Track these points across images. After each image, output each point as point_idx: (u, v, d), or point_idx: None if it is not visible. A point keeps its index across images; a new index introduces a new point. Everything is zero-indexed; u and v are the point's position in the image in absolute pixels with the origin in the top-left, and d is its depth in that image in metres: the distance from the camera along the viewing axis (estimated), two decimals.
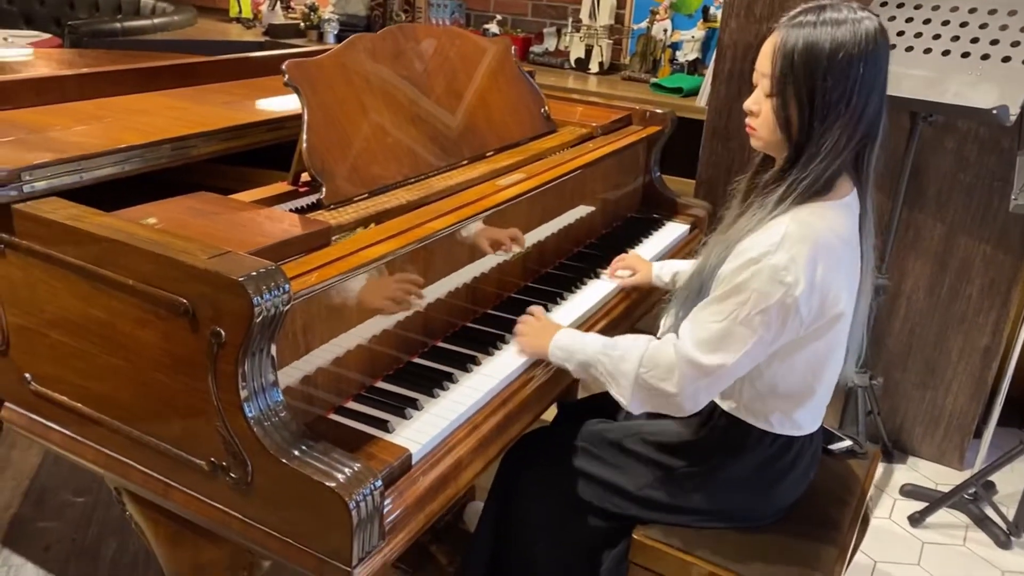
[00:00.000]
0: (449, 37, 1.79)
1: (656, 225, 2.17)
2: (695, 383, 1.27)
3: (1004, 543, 2.26)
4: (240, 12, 4.53)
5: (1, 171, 1.13)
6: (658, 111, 2.20)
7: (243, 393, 1.02)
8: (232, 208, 1.27)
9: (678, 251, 2.10)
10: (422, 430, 1.21)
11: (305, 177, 1.47)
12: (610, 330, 1.69)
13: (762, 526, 1.44)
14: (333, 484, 0.99)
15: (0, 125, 1.37)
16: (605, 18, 3.45)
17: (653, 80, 3.24)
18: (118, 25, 3.67)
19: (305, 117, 1.36)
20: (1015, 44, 1.98)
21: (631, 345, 1.34)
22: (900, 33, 2.15)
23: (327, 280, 1.12)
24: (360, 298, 1.25)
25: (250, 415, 1.03)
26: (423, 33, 1.72)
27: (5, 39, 4.08)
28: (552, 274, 1.81)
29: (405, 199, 1.44)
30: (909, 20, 2.17)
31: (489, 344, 1.46)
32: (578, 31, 3.53)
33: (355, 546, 1.01)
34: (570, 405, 1.85)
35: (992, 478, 2.34)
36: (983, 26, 2.05)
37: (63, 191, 1.21)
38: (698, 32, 3.29)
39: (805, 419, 1.39)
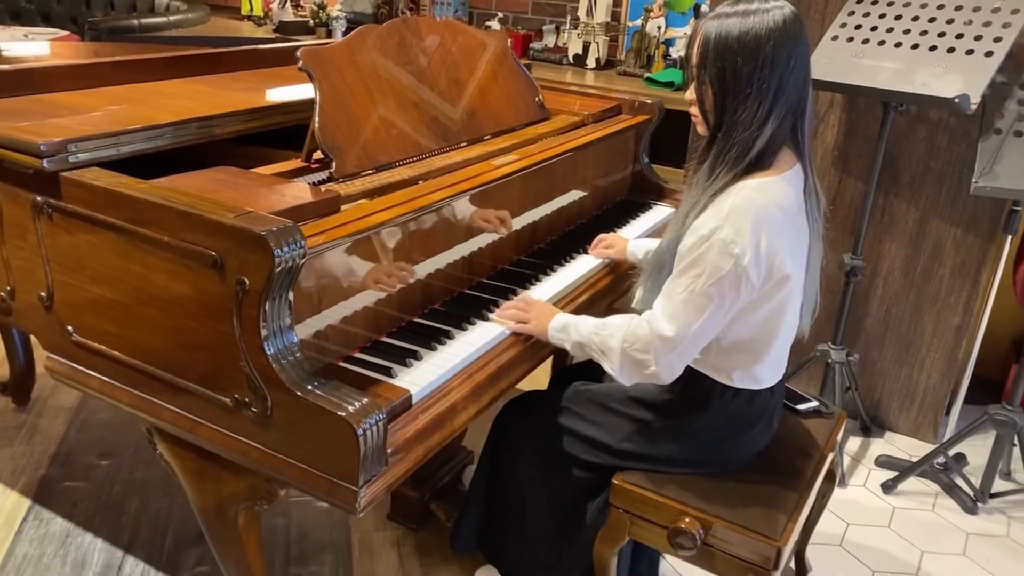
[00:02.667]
0: (450, 30, 1.93)
1: (644, 208, 2.32)
2: (668, 354, 1.41)
3: (971, 508, 2.39)
4: (251, 10, 4.70)
5: (50, 143, 1.28)
6: (647, 101, 2.35)
7: (263, 333, 1.17)
8: (253, 179, 1.42)
9: (661, 232, 2.24)
10: (422, 376, 1.36)
11: (316, 156, 1.62)
12: (595, 301, 1.84)
13: (729, 472, 1.58)
14: (343, 413, 1.14)
15: (46, 106, 1.53)
16: (602, 15, 3.59)
17: (647, 75, 3.39)
18: (135, 22, 3.83)
19: (317, 99, 1.51)
20: (978, 38, 2.12)
21: (618, 324, 1.48)
22: (873, 28, 2.30)
23: (336, 240, 1.27)
24: (366, 261, 1.40)
25: (269, 353, 1.18)
26: (425, 26, 1.87)
27: (26, 36, 4.26)
28: (543, 250, 1.96)
29: (407, 175, 1.59)
30: (882, 16, 2.31)
31: (483, 308, 1.61)
32: (576, 28, 3.68)
33: (362, 469, 1.16)
34: (563, 371, 1.99)
35: (963, 450, 2.48)
36: (949, 21, 2.19)
37: (103, 163, 1.36)
38: (690, 29, 3.43)
39: (764, 374, 1.53)
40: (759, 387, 1.53)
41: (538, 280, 1.77)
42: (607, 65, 3.67)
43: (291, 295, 1.20)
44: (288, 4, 4.36)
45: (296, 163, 1.61)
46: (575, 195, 2.10)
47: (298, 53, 1.51)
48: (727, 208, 1.35)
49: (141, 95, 1.67)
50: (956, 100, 2.02)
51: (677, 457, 1.57)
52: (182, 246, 1.20)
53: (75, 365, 1.43)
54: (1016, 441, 2.34)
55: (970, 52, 2.11)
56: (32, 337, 2.47)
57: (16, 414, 2.55)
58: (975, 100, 2.02)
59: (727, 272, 1.34)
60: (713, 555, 1.51)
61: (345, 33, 4.03)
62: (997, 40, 2.09)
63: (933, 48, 2.18)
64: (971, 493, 2.42)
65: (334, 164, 1.50)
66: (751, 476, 1.59)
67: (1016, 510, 2.42)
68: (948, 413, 2.65)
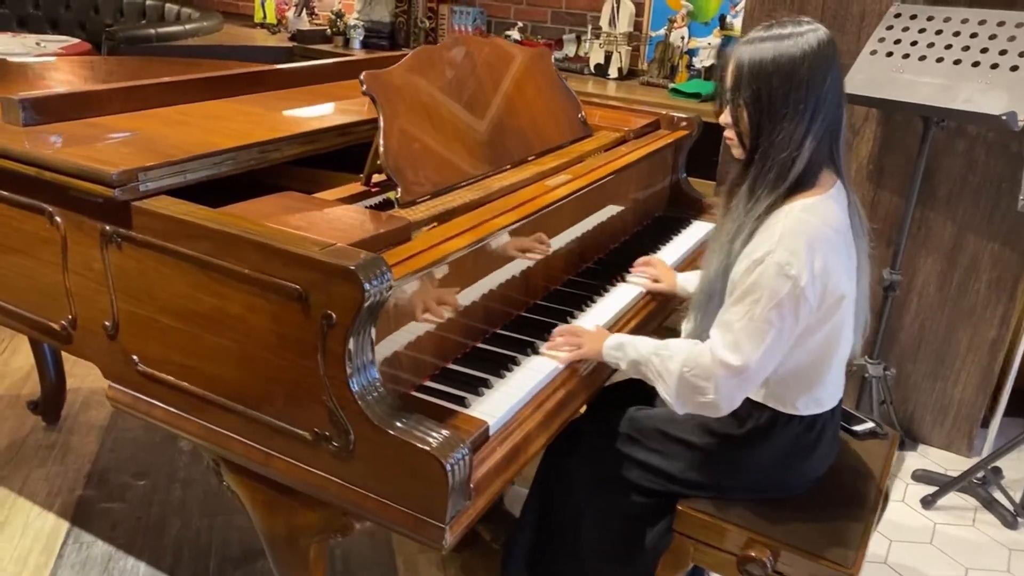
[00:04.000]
0: (495, 48, 1.92)
1: (683, 224, 2.30)
2: (728, 383, 1.39)
3: (1011, 523, 2.39)
4: (264, 18, 4.67)
5: (122, 172, 1.26)
6: (685, 116, 2.34)
7: (348, 370, 1.15)
8: (320, 206, 1.40)
9: (701, 251, 2.23)
10: (495, 406, 1.34)
11: (375, 178, 1.61)
12: (645, 324, 1.82)
13: (793, 497, 1.57)
14: (432, 449, 1.12)
15: (100, 130, 1.51)
16: (624, 25, 3.58)
17: (672, 85, 3.38)
18: (152, 31, 3.80)
19: (381, 124, 1.49)
20: (1022, 55, 2.11)
21: (679, 347, 1.46)
22: (913, 43, 2.29)
23: (418, 269, 1.26)
24: (437, 287, 1.38)
25: (355, 389, 1.16)
26: (474, 45, 1.85)
27: (38, 43, 4.22)
28: (591, 268, 1.94)
29: (467, 198, 1.57)
30: (922, 31, 2.31)
31: (544, 331, 1.59)
32: (598, 38, 3.67)
33: (449, 505, 1.14)
34: (599, 396, 1.97)
35: (1000, 464, 2.48)
36: (992, 37, 2.18)
37: (170, 191, 1.34)
38: (714, 39, 3.42)
39: (825, 396, 1.52)
40: (822, 410, 1.52)
41: (592, 302, 1.76)
42: (629, 75, 3.66)
43: (374, 329, 1.18)
44: (304, 12, 4.33)
45: (356, 186, 1.59)
46: (618, 212, 2.09)
47: (362, 77, 1.49)
48: (779, 231, 1.35)
49: (192, 118, 1.65)
50: (1003, 118, 2.02)
51: (741, 485, 1.56)
52: (262, 279, 1.18)
53: (139, 395, 1.41)
54: None
55: (1015, 68, 2.11)
56: (63, 354, 2.47)
57: (47, 432, 2.52)
58: (1023, 117, 2.02)
59: (785, 295, 1.33)
60: None
61: (363, 42, 4.02)
62: (1022, 55, 2.09)
63: (976, 64, 2.17)
64: (1011, 508, 2.42)
65: (399, 189, 1.48)
66: (815, 501, 1.57)
67: None
68: (986, 426, 2.65)
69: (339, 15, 4.11)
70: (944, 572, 2.20)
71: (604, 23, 3.63)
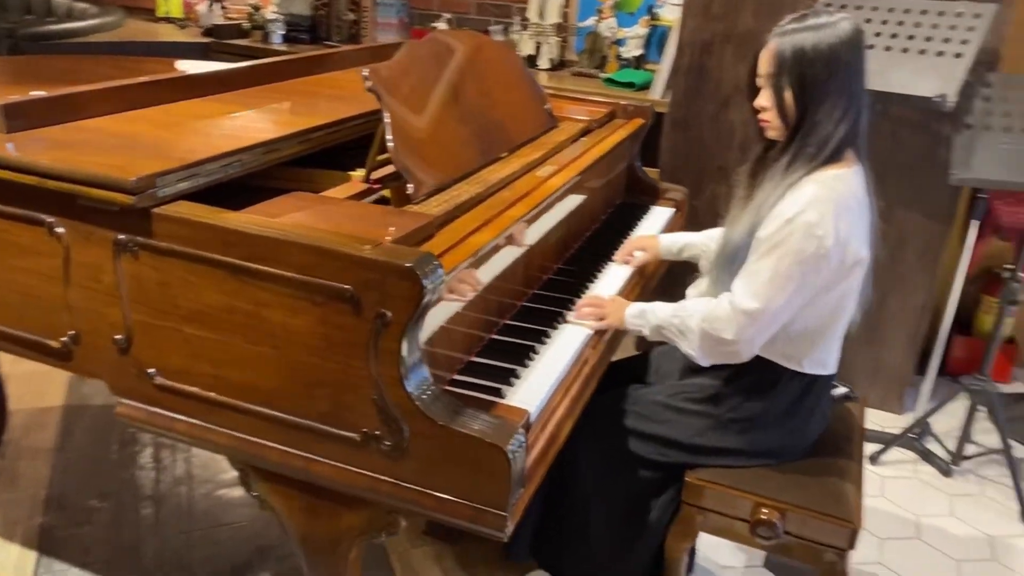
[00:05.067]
0: (473, 41, 1.93)
1: (644, 210, 2.38)
2: (749, 328, 1.50)
3: (947, 471, 2.61)
4: (169, 12, 4.46)
5: (141, 178, 1.21)
6: (641, 105, 2.42)
7: (403, 368, 1.15)
8: (338, 205, 1.39)
9: (668, 231, 2.32)
10: (529, 394, 1.37)
11: (375, 175, 1.59)
12: (643, 295, 1.91)
13: (794, 461, 1.67)
14: (494, 440, 1.14)
15: (94, 134, 1.43)
16: (553, 16, 3.64)
17: (605, 75, 3.46)
18: (56, 28, 3.57)
19: (387, 119, 1.48)
20: (946, 40, 2.29)
21: (695, 306, 1.57)
22: None
23: (460, 264, 1.26)
24: (462, 283, 1.39)
25: (410, 386, 1.16)
26: (453, 38, 1.85)
27: None
28: (575, 256, 1.99)
29: (471, 192, 1.58)
30: None
31: (552, 319, 1.63)
32: (526, 29, 3.71)
33: (511, 493, 1.16)
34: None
35: (929, 419, 2.70)
36: (917, 24, 2.36)
37: (185, 195, 1.29)
38: (641, 29, 3.52)
39: (828, 359, 1.64)
40: (825, 372, 1.64)
41: (591, 283, 1.81)
42: (560, 66, 3.72)
43: (422, 327, 1.18)
44: (215, 6, 4.17)
45: (357, 184, 1.58)
46: (591, 200, 2.14)
47: (364, 73, 1.48)
48: (810, 194, 1.45)
49: (181, 119, 1.58)
50: (936, 99, 2.19)
51: (747, 449, 1.65)
52: (309, 281, 1.16)
53: (156, 409, 1.35)
54: (985, 408, 2.56)
55: (940, 54, 2.29)
56: (2, 379, 2.31)
57: None
58: (953, 98, 2.20)
59: (811, 253, 1.44)
60: (791, 542, 1.60)
61: (285, 37, 3.91)
62: (964, 43, 2.27)
63: (905, 50, 2.34)
64: (946, 458, 2.64)
65: (410, 186, 1.48)
66: (812, 463, 1.68)
67: (984, 470, 2.65)
68: (915, 386, 2.87)
69: (256, 8, 3.98)
70: (898, 521, 2.38)
71: (532, 14, 3.67)
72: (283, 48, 3.84)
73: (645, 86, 3.32)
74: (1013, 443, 2.56)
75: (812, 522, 1.57)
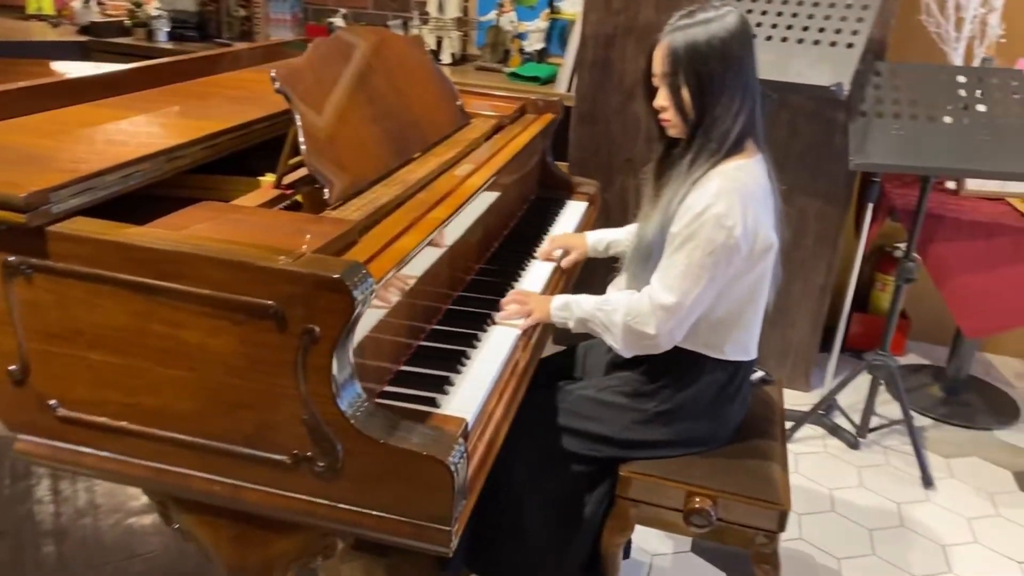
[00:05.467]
0: (382, 37, 1.86)
1: (559, 205, 2.38)
2: (669, 322, 1.53)
3: (854, 444, 2.73)
4: (40, 8, 4.16)
5: (30, 195, 1.10)
6: (551, 99, 2.41)
7: (335, 385, 1.10)
8: (250, 214, 1.31)
9: (584, 226, 2.32)
10: (464, 401, 1.33)
11: (286, 179, 1.52)
12: (567, 287, 1.90)
13: (721, 448, 1.70)
14: (434, 453, 1.10)
15: None
16: (453, 11, 3.59)
17: (510, 70, 3.44)
18: None
19: (299, 122, 1.41)
20: (838, 31, 2.38)
21: (619, 299, 1.58)
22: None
23: (389, 271, 1.21)
24: (389, 290, 1.34)
25: (343, 403, 1.10)
26: (363, 34, 1.79)
27: None
28: (496, 254, 1.96)
29: (391, 194, 1.53)
30: (749, 12, 2.52)
31: (480, 321, 1.59)
32: (426, 23, 3.65)
33: (455, 507, 1.12)
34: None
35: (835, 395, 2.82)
36: (810, 16, 2.44)
37: (81, 211, 1.19)
38: (542, 23, 3.52)
39: (749, 344, 1.68)
40: (747, 357, 1.67)
41: (515, 282, 1.79)
42: (462, 60, 3.68)
43: (351, 340, 1.13)
44: (91, 2, 3.92)
45: (268, 190, 1.50)
46: (508, 197, 2.12)
47: (272, 73, 1.40)
48: (716, 187, 1.48)
49: (67, 127, 1.46)
50: (832, 88, 2.27)
51: (676, 439, 1.67)
52: (226, 298, 1.09)
53: (61, 444, 1.24)
54: (887, 382, 2.69)
55: (833, 44, 2.37)
56: None
57: None
58: (847, 87, 2.28)
59: (720, 244, 1.47)
60: (724, 528, 1.62)
61: (170, 34, 3.72)
62: (855, 33, 2.36)
63: (800, 41, 2.41)
64: (852, 431, 2.76)
65: (327, 191, 1.41)
66: (739, 448, 1.72)
67: (886, 440, 2.79)
68: (825, 364, 2.99)
69: (138, 5, 3.76)
70: (812, 497, 2.47)
71: (432, 9, 3.61)
72: (170, 47, 3.65)
73: (550, 80, 3.32)
74: (913, 413, 2.70)
75: (744, 507, 1.60)
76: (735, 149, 1.53)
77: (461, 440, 1.16)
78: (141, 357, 1.16)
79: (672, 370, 1.65)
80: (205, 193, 1.49)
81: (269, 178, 1.61)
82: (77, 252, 1.12)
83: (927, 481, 2.55)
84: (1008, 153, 2.35)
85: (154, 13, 3.72)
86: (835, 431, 2.79)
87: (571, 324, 1.63)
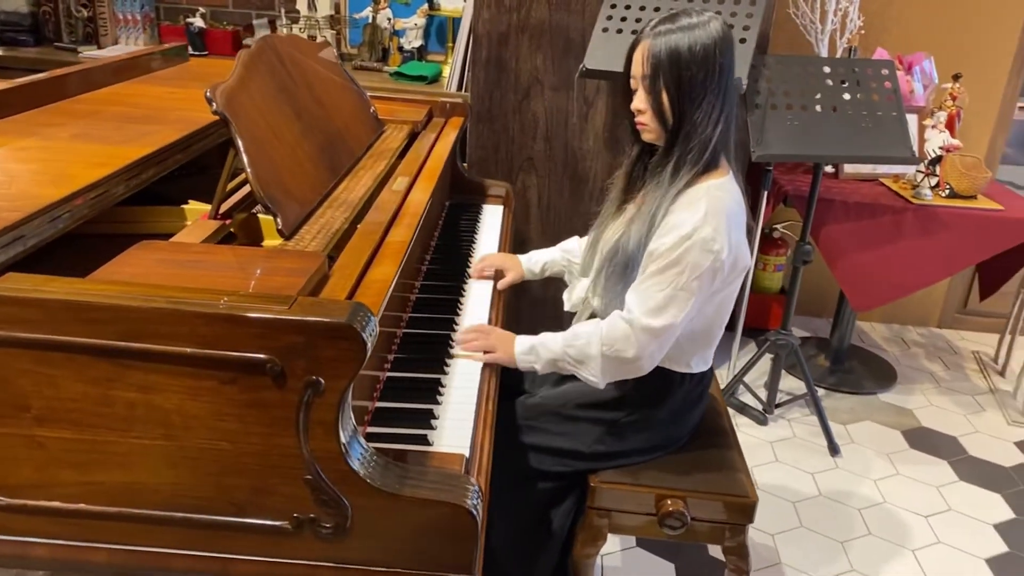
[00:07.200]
0: (296, 45, 1.74)
1: (476, 210, 2.32)
2: (650, 345, 1.49)
3: (763, 421, 2.86)
4: None
5: None
6: (457, 101, 2.34)
7: (343, 439, 1.00)
8: (205, 253, 1.17)
9: (508, 232, 2.28)
10: (455, 435, 1.26)
11: (222, 208, 1.38)
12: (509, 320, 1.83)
13: (683, 447, 1.72)
14: (451, 498, 1.03)
15: None
16: (325, 8, 3.42)
17: (392, 69, 3.32)
18: None
19: (242, 147, 1.28)
20: (730, 27, 2.46)
21: (589, 331, 1.52)
22: (637, 20, 2.53)
23: (379, 306, 1.12)
24: None
25: (353, 459, 1.01)
26: (280, 43, 1.65)
27: None
28: (432, 270, 1.87)
29: (342, 217, 1.42)
30: (642, 8, 2.56)
31: (440, 347, 1.52)
32: (296, 22, 3.46)
33: (477, 551, 1.06)
34: None
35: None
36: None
37: (11, 266, 1.02)
38: (419, 19, 3.43)
39: (710, 353, 1.68)
40: (708, 367, 1.68)
41: (461, 304, 1.71)
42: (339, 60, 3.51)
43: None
44: None
45: (205, 222, 1.35)
46: (430, 205, 2.03)
47: (209, 94, 1.26)
48: (703, 208, 1.45)
49: None
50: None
51: (644, 446, 1.66)
52: (211, 355, 0.96)
53: (3, 537, 1.06)
54: (791, 359, 2.83)
55: (742, 41, 2.45)
56: None
57: None
58: (745, 81, 2.37)
59: (707, 267, 1.46)
60: (697, 527, 1.64)
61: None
62: (746, 28, 2.45)
63: None
64: (759, 408, 2.89)
65: (278, 219, 1.29)
66: (698, 446, 1.74)
67: (789, 414, 2.94)
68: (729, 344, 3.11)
69: None
70: None
71: (303, 6, 3.42)
72: (0, 53, 3.25)
73: (436, 79, 3.24)
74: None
75: (714, 504, 1.62)
76: (713, 163, 1.51)
77: (474, 480, 1.10)
78: (104, 428, 1.01)
79: (642, 383, 1.62)
80: (129, 227, 1.34)
81: (194, 206, 1.47)
82: (20, 316, 0.96)
83: (834, 449, 2.71)
84: (884, 137, 2.52)
85: None
86: (743, 409, 2.91)
87: (538, 367, 1.56)
